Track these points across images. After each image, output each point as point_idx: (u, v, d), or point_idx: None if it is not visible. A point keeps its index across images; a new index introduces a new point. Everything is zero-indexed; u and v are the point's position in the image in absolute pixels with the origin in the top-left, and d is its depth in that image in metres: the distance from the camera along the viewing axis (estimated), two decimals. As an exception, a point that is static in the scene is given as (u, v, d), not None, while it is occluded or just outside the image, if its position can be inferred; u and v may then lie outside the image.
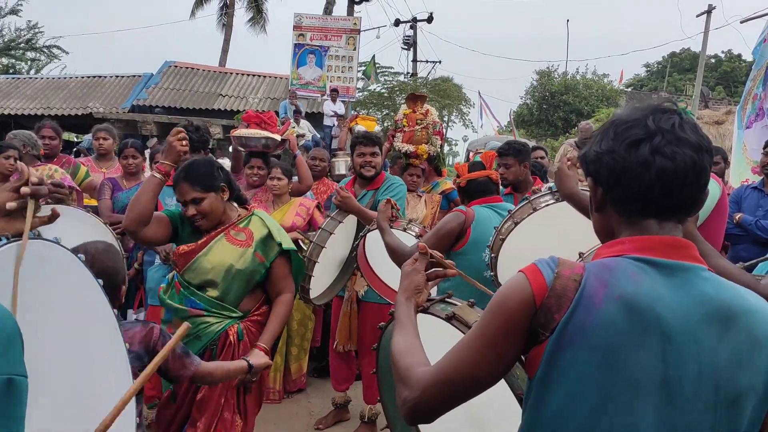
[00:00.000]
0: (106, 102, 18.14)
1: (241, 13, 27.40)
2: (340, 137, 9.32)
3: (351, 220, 4.14)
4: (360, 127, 7.44)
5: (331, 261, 4.06)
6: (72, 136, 19.34)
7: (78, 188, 5.13)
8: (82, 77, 19.82)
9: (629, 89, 35.31)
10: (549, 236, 3.08)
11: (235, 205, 3.20)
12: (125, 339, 2.16)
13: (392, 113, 24.15)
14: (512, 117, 23.62)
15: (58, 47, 32.55)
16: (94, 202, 5.13)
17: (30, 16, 42.38)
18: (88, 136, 10.16)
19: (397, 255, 3.09)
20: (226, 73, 20.65)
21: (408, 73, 29.09)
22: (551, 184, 3.69)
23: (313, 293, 3.95)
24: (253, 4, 27.04)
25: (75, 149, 10.42)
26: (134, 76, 19.68)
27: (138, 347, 2.30)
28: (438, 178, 5.90)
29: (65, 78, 20.78)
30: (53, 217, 2.10)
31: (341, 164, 6.80)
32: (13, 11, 29.90)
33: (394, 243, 3.17)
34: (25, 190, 1.75)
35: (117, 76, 19.86)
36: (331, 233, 3.87)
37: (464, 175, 3.49)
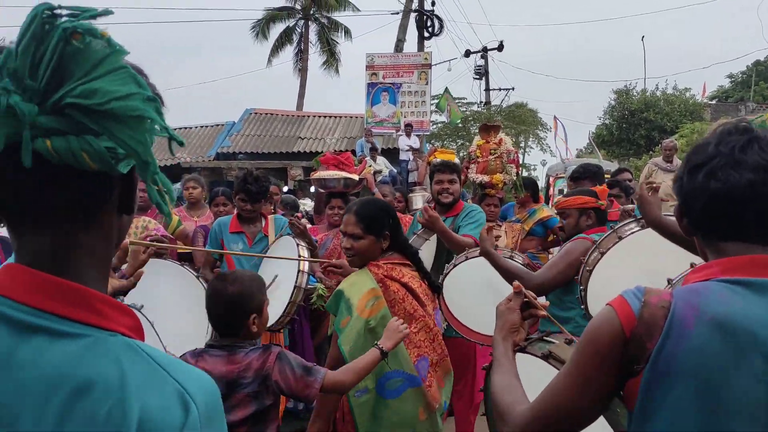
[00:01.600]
0: (193, 151, 19.02)
1: (315, 57, 28.26)
2: (419, 171, 9.42)
3: (432, 244, 4.17)
4: (439, 160, 7.51)
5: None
6: (163, 187, 20.29)
7: (172, 237, 5.41)
8: (170, 130, 20.85)
9: (713, 101, 33.96)
10: (637, 265, 3.02)
11: (389, 257, 2.93)
12: (241, 366, 2.27)
13: (467, 143, 24.12)
14: (592, 139, 23.17)
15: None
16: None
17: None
18: (177, 186, 10.68)
19: (521, 279, 3.09)
20: (303, 116, 21.29)
21: (481, 102, 29.10)
22: (635, 206, 3.64)
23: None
24: (326, 48, 27.85)
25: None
26: (218, 125, 20.59)
27: (252, 375, 2.27)
28: (535, 205, 5.87)
29: (155, 132, 21.90)
30: (134, 284, 2.30)
31: (419, 199, 6.88)
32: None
33: (512, 267, 3.17)
34: (125, 243, 1.92)
35: (202, 126, 20.83)
36: (418, 249, 3.89)
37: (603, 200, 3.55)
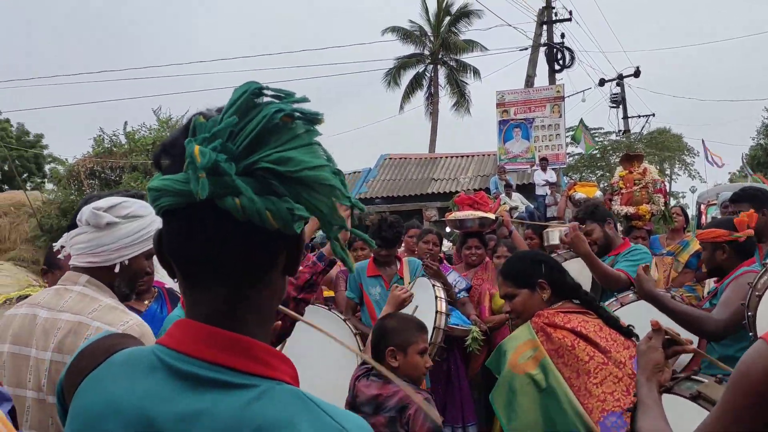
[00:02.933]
0: (332, 199, 19.71)
1: (446, 100, 28.66)
2: (559, 206, 9.19)
3: (587, 279, 3.97)
4: (580, 194, 7.23)
5: None
6: (306, 234, 21.23)
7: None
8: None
9: None
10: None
11: (559, 307, 2.57)
12: (389, 393, 2.52)
13: (607, 174, 23.24)
14: (745, 161, 21.50)
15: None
16: (331, 293, 5.56)
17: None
18: (321, 232, 11.09)
19: (702, 322, 2.86)
20: (436, 158, 21.54)
21: (620, 130, 28.05)
22: None
23: None
24: (455, 89, 28.17)
25: (310, 245, 11.39)
26: (355, 172, 21.28)
27: (395, 403, 2.47)
28: (687, 236, 5.55)
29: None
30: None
31: (555, 234, 6.64)
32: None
33: (685, 309, 2.90)
34: None
35: (340, 175, 21.60)
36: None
37: (747, 230, 3.21)
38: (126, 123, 16.03)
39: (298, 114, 0.83)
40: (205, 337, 0.86)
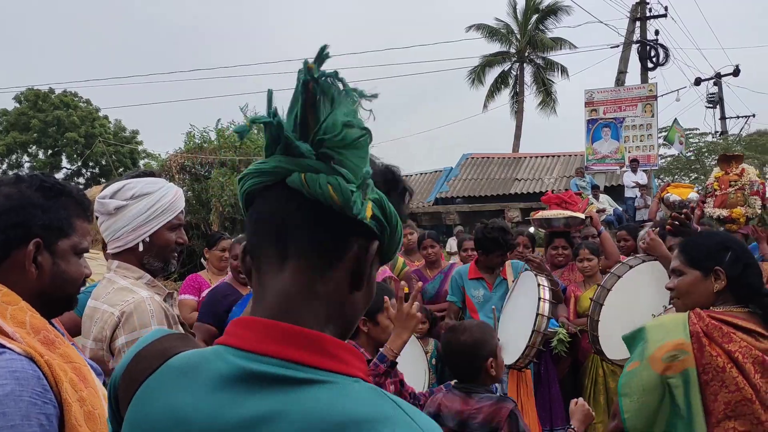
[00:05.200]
0: (414, 197, 19.81)
1: (531, 99, 28.12)
2: (651, 208, 8.91)
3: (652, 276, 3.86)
4: (674, 195, 6.95)
5: (626, 312, 3.62)
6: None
7: (396, 278, 5.63)
8: (393, 178, 22.00)
9: None
10: None
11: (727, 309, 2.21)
12: (472, 409, 2.45)
13: (702, 177, 22.28)
14: None
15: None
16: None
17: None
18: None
19: None
20: (520, 157, 21.22)
21: (716, 132, 26.78)
22: None
23: (606, 348, 3.64)
24: (542, 88, 27.61)
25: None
26: (436, 171, 21.27)
27: (481, 420, 2.40)
28: None
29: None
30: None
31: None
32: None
33: None
34: None
35: (421, 173, 21.65)
36: (619, 277, 3.63)
37: None
38: (219, 120, 16.54)
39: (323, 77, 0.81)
40: (272, 333, 0.81)
